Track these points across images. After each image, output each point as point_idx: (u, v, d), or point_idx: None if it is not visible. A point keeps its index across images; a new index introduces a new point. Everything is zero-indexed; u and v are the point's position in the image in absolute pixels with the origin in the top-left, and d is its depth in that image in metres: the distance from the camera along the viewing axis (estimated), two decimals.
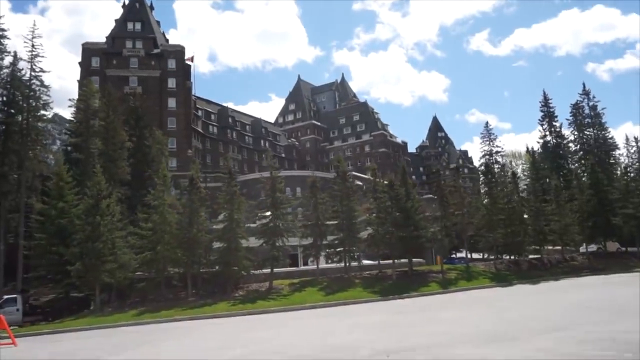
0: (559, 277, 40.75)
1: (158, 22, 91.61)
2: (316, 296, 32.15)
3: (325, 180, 50.82)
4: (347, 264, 38.22)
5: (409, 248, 37.64)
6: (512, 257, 45.45)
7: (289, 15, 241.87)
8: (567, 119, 75.85)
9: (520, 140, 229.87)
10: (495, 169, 50.51)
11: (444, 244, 41.00)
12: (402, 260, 39.49)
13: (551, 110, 76.38)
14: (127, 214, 36.86)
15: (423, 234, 37.94)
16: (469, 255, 51.50)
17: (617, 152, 70.93)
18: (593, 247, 51.86)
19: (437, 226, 40.06)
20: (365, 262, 42.63)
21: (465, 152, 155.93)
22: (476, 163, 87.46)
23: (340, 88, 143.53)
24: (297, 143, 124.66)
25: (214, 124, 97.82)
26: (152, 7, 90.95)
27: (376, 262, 40.69)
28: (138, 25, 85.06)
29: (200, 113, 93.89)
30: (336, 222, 38.75)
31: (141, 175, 47.22)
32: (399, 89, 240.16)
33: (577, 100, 75.69)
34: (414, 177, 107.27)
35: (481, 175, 56.26)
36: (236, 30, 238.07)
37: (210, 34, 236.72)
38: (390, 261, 39.46)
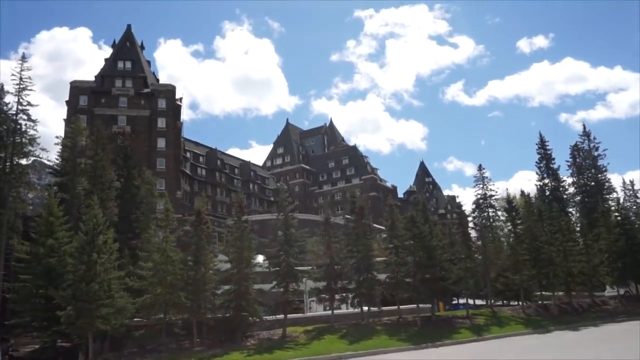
0: (596, 322, 37.71)
1: (149, 62, 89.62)
2: (339, 345, 28.64)
3: (317, 223, 47.27)
4: (367, 309, 34.89)
5: (434, 291, 34.49)
6: (526, 303, 42.40)
7: (269, 64, 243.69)
8: (567, 161, 74.87)
9: (498, 187, 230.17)
10: (490, 213, 48.07)
11: (469, 286, 37.90)
12: (413, 306, 36.39)
13: (548, 152, 75.16)
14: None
15: (448, 275, 34.90)
16: (470, 302, 48.34)
17: (614, 195, 69.59)
18: (620, 291, 48.97)
19: (461, 267, 37.01)
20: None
21: (453, 197, 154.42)
22: (466, 208, 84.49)
23: (329, 132, 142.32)
24: (285, 187, 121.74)
25: (203, 166, 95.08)
26: (142, 47, 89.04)
27: (393, 308, 37.45)
28: (128, 64, 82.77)
29: (188, 155, 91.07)
30: (350, 263, 35.53)
31: (128, 217, 43.75)
32: (377, 137, 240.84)
33: (577, 142, 74.68)
34: None
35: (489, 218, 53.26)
36: (217, 79, 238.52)
37: (191, 82, 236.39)
38: (409, 306, 36.30)
